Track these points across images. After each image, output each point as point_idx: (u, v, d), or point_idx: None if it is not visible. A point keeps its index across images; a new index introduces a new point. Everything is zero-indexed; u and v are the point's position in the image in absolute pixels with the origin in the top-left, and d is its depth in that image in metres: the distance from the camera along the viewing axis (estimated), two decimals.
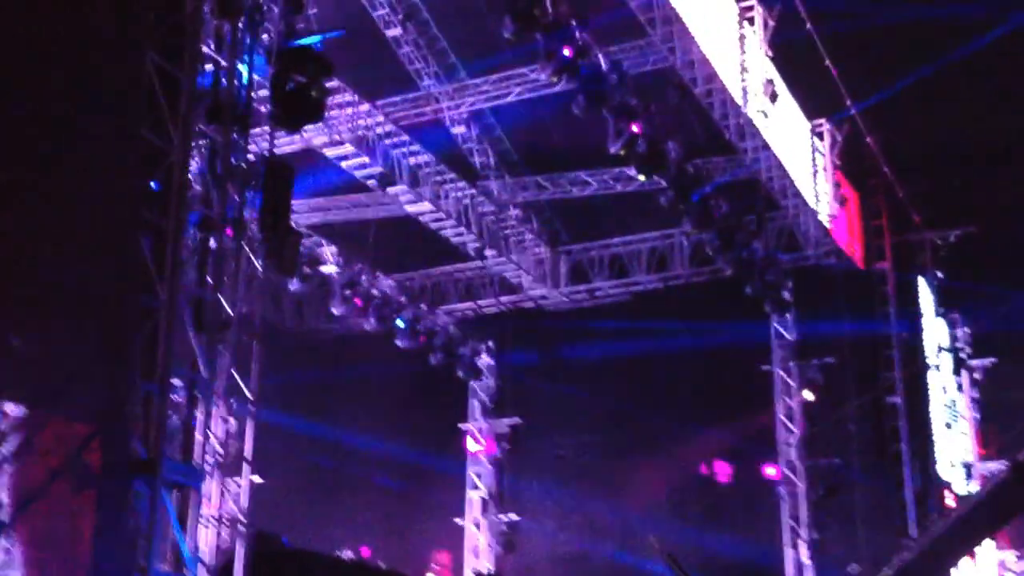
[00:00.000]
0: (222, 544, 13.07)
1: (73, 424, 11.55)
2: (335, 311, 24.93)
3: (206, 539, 12.68)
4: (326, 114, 16.02)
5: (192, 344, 12.56)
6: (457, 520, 27.33)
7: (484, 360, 28.26)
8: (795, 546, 24.93)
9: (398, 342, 25.68)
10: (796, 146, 23.30)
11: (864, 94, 23.41)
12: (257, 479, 13.91)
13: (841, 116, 24.31)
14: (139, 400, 11.74)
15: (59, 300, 11.04)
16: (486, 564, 26.90)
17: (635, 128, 19.42)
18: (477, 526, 27.30)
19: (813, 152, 24.21)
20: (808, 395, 25.53)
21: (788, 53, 21.73)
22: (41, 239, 10.90)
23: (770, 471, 25.31)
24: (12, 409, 11.33)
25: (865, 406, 26.35)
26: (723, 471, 25.77)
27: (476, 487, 27.58)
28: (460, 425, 27.92)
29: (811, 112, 24.14)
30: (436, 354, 26.35)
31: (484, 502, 27.46)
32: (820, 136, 24.52)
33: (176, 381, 12.37)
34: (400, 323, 25.46)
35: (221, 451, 13.08)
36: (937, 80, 21.56)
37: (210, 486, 12.81)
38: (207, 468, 12.61)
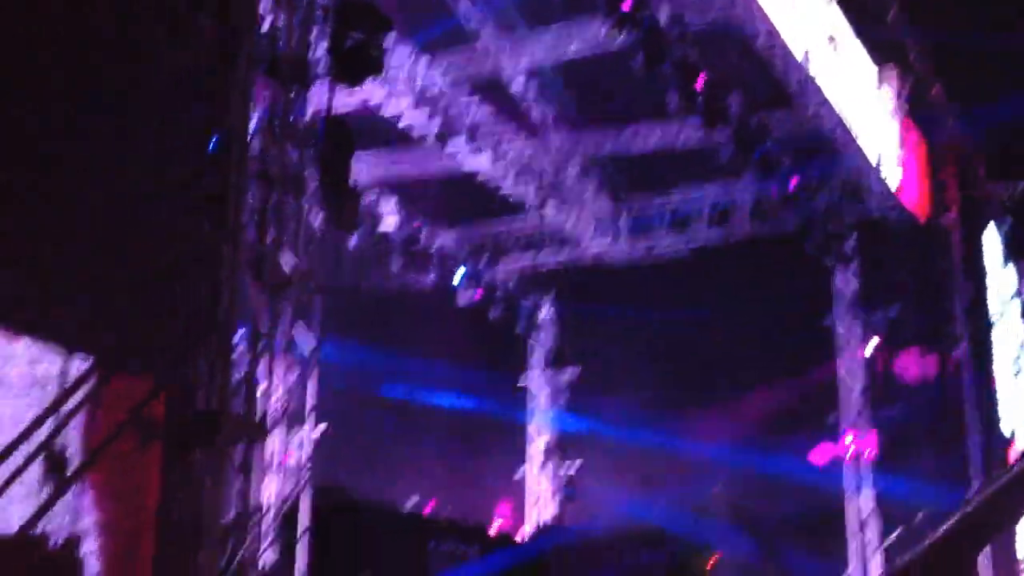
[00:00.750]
0: (286, 496, 13.27)
1: (138, 378, 11.76)
2: (394, 267, 25.14)
3: (270, 491, 12.87)
4: (384, 70, 16.00)
5: (253, 300, 12.76)
6: (518, 472, 27.56)
7: (544, 314, 28.38)
8: (858, 498, 24.92)
9: (457, 297, 25.89)
10: (860, 98, 23.02)
11: (932, 42, 23.10)
12: (319, 431, 14.08)
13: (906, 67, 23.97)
14: (203, 354, 11.95)
15: (122, 257, 11.22)
16: (548, 513, 27.14)
17: (696, 82, 19.31)
18: (538, 479, 27.50)
19: (878, 104, 23.91)
20: (870, 349, 25.41)
21: (852, 1, 21.46)
22: (103, 198, 11.07)
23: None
24: (77, 363, 11.57)
25: (929, 359, 26.18)
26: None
27: (536, 440, 27.77)
28: (520, 380, 28.13)
29: (876, 63, 23.82)
30: (495, 308, 26.54)
31: (545, 454, 27.64)
32: (885, 87, 24.19)
33: (239, 335, 12.56)
34: (459, 278, 25.63)
35: (283, 404, 13.26)
36: (1008, 25, 21.25)
37: (273, 439, 12.99)
38: (269, 421, 12.80)
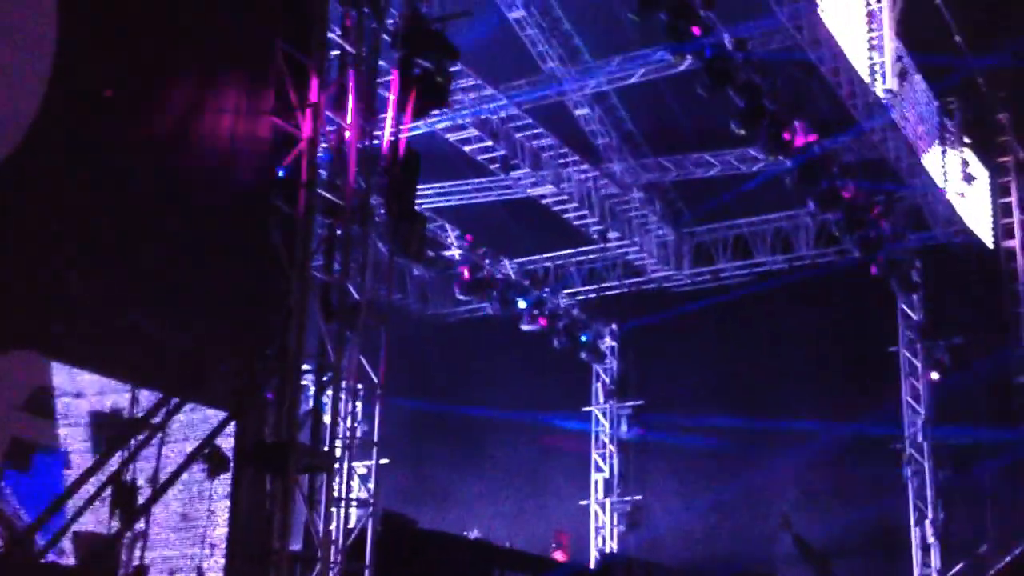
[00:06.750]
0: (352, 525, 13.24)
1: (207, 410, 11.79)
2: (459, 295, 25.14)
3: (337, 520, 12.84)
4: (450, 99, 16.00)
5: (321, 330, 12.75)
6: (582, 502, 27.41)
7: (607, 342, 28.27)
8: (921, 525, 24.65)
9: (522, 325, 25.83)
10: (924, 124, 22.85)
11: (995, 70, 22.91)
12: (385, 461, 14.02)
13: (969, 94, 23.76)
14: (271, 386, 11.95)
15: (192, 289, 11.23)
16: (611, 544, 26.97)
17: (760, 108, 19.18)
18: (602, 507, 27.35)
19: (942, 130, 23.72)
20: (935, 375, 25.20)
21: (917, 30, 21.29)
22: (173, 228, 11.08)
23: None
24: (147, 396, 11.61)
25: (994, 385, 25.84)
26: None
27: (600, 469, 27.63)
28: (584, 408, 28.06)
29: (939, 93, 23.65)
30: (559, 337, 26.44)
31: (607, 483, 27.49)
32: (949, 114, 24.02)
33: (305, 366, 12.56)
34: (523, 306, 25.59)
35: (349, 434, 13.22)
36: None
37: (339, 469, 12.96)
38: (336, 451, 12.77)
